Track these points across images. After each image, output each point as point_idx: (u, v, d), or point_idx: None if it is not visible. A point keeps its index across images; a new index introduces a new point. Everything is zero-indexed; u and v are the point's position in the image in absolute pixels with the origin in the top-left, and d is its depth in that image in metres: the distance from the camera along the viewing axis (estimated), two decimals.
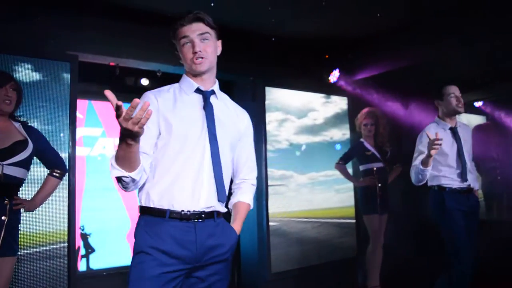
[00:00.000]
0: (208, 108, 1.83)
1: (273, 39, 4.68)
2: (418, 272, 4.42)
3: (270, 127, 4.67)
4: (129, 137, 1.50)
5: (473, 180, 3.42)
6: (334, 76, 5.02)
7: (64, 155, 3.41)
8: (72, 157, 3.45)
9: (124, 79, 4.42)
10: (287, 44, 4.79)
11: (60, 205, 3.35)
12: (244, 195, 2.01)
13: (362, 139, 4.63)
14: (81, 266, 4.36)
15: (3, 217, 2.44)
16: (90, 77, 3.96)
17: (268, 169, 4.56)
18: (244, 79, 4.72)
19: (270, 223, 4.53)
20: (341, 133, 5.32)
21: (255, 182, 2.07)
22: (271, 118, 4.69)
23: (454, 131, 3.42)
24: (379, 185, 4.43)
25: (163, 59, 4.13)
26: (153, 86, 4.58)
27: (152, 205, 1.74)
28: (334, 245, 5.04)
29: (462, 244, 3.22)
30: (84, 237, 4.42)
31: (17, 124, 2.68)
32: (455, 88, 3.40)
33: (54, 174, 2.80)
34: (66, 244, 3.35)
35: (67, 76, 3.50)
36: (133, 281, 1.68)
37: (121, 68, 4.03)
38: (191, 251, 1.71)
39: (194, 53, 1.83)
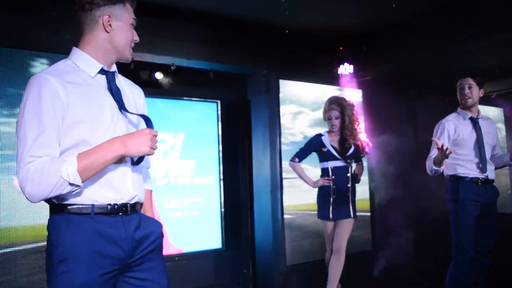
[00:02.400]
0: (115, 90, 1.65)
1: (287, 31, 4.65)
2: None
3: (284, 120, 4.66)
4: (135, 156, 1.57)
5: (492, 172, 3.37)
6: (345, 69, 4.96)
7: None
8: None
9: (139, 73, 4.45)
10: (301, 37, 4.76)
11: None
12: (147, 183, 1.88)
13: (323, 132, 4.00)
14: None
15: None
16: None
17: (283, 162, 4.55)
18: (258, 72, 4.71)
19: (285, 216, 4.53)
20: None
21: (150, 164, 1.92)
22: (285, 111, 4.68)
23: (474, 121, 3.37)
24: (334, 187, 3.84)
25: (177, 52, 4.15)
26: (167, 79, 4.60)
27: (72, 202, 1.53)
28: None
29: (467, 235, 3.22)
30: None
31: None
32: (464, 80, 3.36)
33: None
34: None
35: None
36: None
37: (135, 62, 4.05)
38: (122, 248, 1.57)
39: (134, 40, 1.73)
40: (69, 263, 1.47)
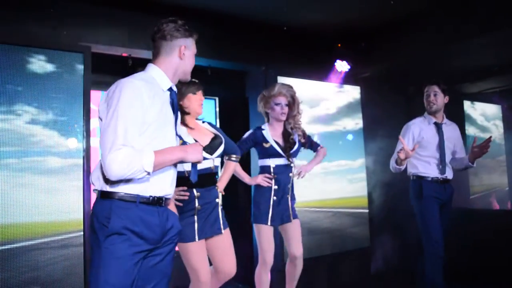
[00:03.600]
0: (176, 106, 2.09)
1: (285, 28, 4.65)
2: None
3: None
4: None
5: (450, 172, 3.68)
6: (343, 65, 4.95)
7: (79, 145, 3.45)
8: (86, 148, 3.48)
9: (137, 70, 4.43)
10: (299, 34, 4.76)
11: (75, 195, 3.40)
12: None
13: (264, 126, 3.53)
14: None
15: (217, 200, 2.88)
16: (103, 68, 3.98)
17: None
18: (256, 69, 4.71)
19: None
20: (354, 123, 5.28)
21: None
22: None
23: (438, 126, 3.66)
24: (276, 187, 3.41)
25: None
26: None
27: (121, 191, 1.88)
28: (346, 235, 5.04)
29: (435, 229, 3.50)
30: None
31: (200, 123, 2.96)
32: (430, 87, 3.65)
33: (232, 159, 3.12)
34: (82, 233, 3.40)
35: (80, 67, 3.52)
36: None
37: (133, 59, 4.04)
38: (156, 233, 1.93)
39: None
40: (114, 239, 1.80)
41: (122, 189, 1.85)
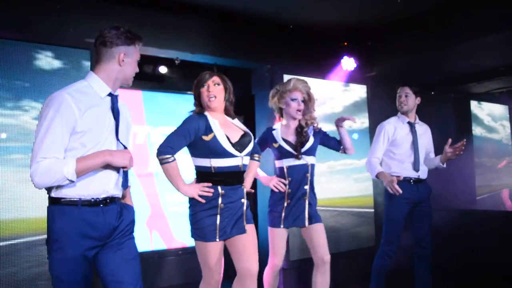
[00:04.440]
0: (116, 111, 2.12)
1: (291, 26, 4.64)
2: None
3: None
4: None
5: (424, 172, 3.72)
6: (349, 64, 4.93)
7: None
8: None
9: (142, 66, 4.44)
10: (305, 32, 4.75)
11: None
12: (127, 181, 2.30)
13: (276, 125, 3.36)
14: None
15: (242, 200, 2.72)
16: None
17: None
18: (262, 67, 4.70)
19: None
20: (360, 122, 5.26)
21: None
22: None
23: (411, 125, 3.72)
24: (289, 191, 3.20)
25: (181, 46, 4.14)
26: (171, 73, 4.60)
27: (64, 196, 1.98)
28: (352, 234, 5.03)
29: (395, 229, 3.61)
30: None
31: (230, 118, 2.82)
32: (402, 89, 3.74)
33: (255, 158, 2.98)
34: None
35: (87, 63, 3.53)
36: None
37: (140, 56, 4.04)
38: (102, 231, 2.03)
39: (136, 71, 2.22)
40: (60, 242, 1.94)
41: (63, 194, 1.96)
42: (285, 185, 3.21)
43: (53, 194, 1.97)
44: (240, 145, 2.68)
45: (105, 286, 2.08)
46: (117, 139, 2.10)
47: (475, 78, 5.43)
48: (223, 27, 4.29)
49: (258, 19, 4.39)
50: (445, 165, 3.67)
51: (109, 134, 2.06)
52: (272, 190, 3.28)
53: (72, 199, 1.96)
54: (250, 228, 2.75)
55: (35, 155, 1.88)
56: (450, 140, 3.54)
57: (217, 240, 2.62)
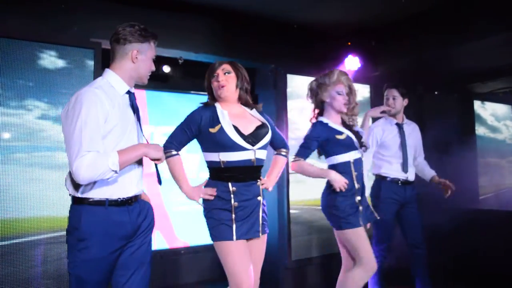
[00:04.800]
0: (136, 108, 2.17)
1: (295, 26, 4.64)
2: None
3: (291, 114, 4.65)
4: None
5: (412, 173, 3.75)
6: (351, 63, 4.91)
7: None
8: None
9: None
10: (309, 32, 4.74)
11: None
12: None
13: (323, 118, 3.09)
14: None
15: (259, 198, 2.50)
16: None
17: (289, 157, 4.53)
18: (266, 67, 4.70)
19: (291, 211, 4.53)
20: None
21: None
22: (292, 105, 4.67)
23: (400, 126, 3.77)
24: (358, 185, 3.00)
25: (184, 46, 4.14)
26: (174, 73, 4.60)
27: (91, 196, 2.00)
28: None
29: (385, 229, 3.64)
30: None
31: (248, 109, 2.62)
32: (389, 91, 3.78)
33: (282, 153, 2.80)
34: None
35: (90, 63, 3.54)
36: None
37: None
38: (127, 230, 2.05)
39: (152, 70, 2.22)
40: (87, 242, 1.93)
41: (91, 195, 1.98)
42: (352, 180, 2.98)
43: (79, 194, 1.98)
44: (253, 137, 2.46)
45: (112, 283, 2.09)
46: (142, 135, 2.17)
47: (479, 78, 5.42)
48: (226, 27, 4.29)
49: (262, 18, 4.39)
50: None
51: (132, 130, 2.10)
52: (330, 188, 3.00)
53: (99, 200, 1.98)
54: (262, 238, 2.54)
55: (77, 150, 1.86)
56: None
57: (234, 239, 2.38)
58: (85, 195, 1.98)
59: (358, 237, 2.94)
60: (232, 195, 2.42)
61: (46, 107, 3.36)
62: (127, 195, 2.06)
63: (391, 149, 3.73)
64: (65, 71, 3.45)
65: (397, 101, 3.75)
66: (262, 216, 2.50)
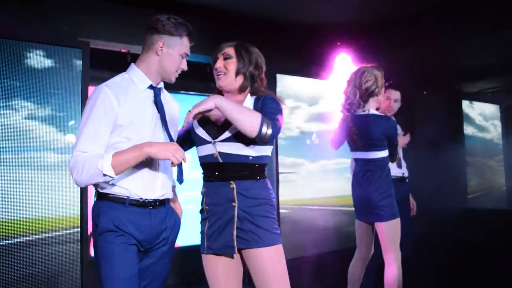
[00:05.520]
0: (159, 103, 2.01)
1: (286, 26, 4.64)
2: None
3: None
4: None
5: (405, 169, 3.76)
6: (342, 63, 4.92)
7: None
8: None
9: None
10: (299, 32, 4.74)
11: (73, 191, 3.39)
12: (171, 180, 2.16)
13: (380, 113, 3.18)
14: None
15: (233, 204, 2.07)
16: (101, 64, 3.96)
17: (279, 157, 4.55)
18: None
19: (281, 211, 4.54)
20: None
21: None
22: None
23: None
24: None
25: None
26: None
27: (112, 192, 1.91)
28: (344, 233, 5.04)
29: None
30: None
31: (252, 99, 2.19)
32: (392, 92, 3.73)
33: None
34: (79, 229, 3.39)
35: (78, 62, 3.51)
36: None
37: (132, 55, 4.02)
38: (145, 234, 1.93)
39: (181, 68, 2.10)
40: (106, 237, 1.85)
41: (112, 191, 1.90)
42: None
43: (100, 189, 1.91)
44: (219, 128, 2.03)
45: None
46: (167, 132, 1.99)
47: (467, 77, 5.46)
48: (216, 27, 4.28)
49: (252, 18, 4.38)
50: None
51: (156, 128, 1.96)
52: (384, 177, 3.01)
53: (120, 196, 1.89)
54: (255, 254, 2.05)
55: (73, 150, 1.82)
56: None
57: (205, 252, 2.07)
58: (105, 190, 1.90)
59: (397, 229, 2.96)
60: (205, 197, 2.08)
61: (33, 107, 3.32)
62: (150, 196, 1.93)
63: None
64: (53, 71, 3.41)
65: (396, 104, 3.75)
66: (240, 227, 1.98)
